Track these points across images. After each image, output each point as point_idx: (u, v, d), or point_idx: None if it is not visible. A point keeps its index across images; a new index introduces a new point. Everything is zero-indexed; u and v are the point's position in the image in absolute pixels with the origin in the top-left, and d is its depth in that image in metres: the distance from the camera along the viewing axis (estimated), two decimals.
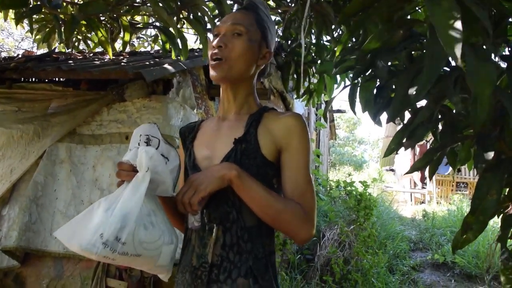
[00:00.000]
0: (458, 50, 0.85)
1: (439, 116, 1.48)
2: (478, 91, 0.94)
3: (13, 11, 2.97)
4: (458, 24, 0.88)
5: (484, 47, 1.10)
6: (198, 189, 1.07)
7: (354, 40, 2.01)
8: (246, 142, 1.19)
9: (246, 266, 1.12)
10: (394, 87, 1.46)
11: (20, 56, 4.17)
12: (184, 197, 1.08)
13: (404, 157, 15.07)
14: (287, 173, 1.18)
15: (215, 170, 1.11)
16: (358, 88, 1.54)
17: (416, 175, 14.25)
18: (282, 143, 1.19)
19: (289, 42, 3.48)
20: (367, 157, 33.05)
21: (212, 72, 1.24)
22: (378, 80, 1.45)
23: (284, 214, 1.12)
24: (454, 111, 1.43)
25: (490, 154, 1.23)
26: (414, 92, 1.21)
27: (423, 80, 1.02)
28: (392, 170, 16.54)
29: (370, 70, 1.47)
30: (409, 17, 1.47)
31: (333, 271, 5.03)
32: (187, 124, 1.48)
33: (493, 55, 1.11)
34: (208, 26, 2.91)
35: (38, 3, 2.44)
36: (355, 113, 1.70)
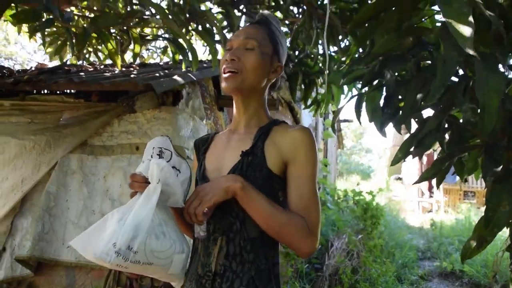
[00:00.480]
0: (470, 40, 0.87)
1: (446, 126, 1.49)
2: (486, 101, 0.96)
3: (27, 25, 3.03)
4: (470, 18, 0.90)
5: (493, 55, 1.11)
6: (204, 200, 1.10)
7: (361, 51, 2.04)
8: (252, 155, 1.21)
9: (248, 276, 1.14)
10: (401, 97, 1.49)
11: (33, 68, 4.24)
12: (190, 208, 1.11)
13: (412, 166, 15.01)
14: (292, 187, 1.19)
15: (220, 182, 1.13)
16: (365, 98, 1.57)
17: (424, 184, 14.18)
18: (288, 156, 1.20)
19: (297, 52, 3.52)
20: (375, 166, 32.89)
21: (224, 84, 1.26)
22: (385, 90, 1.47)
23: (287, 227, 1.13)
24: (461, 120, 1.45)
25: (498, 165, 1.24)
26: (423, 96, 1.23)
27: (436, 83, 1.02)
28: (400, 178, 16.45)
29: (377, 80, 1.50)
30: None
31: (341, 281, 5.01)
32: (201, 136, 1.51)
33: (501, 65, 1.13)
34: (217, 37, 2.96)
35: (51, 17, 2.50)
36: (360, 123, 1.72)
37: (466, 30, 0.87)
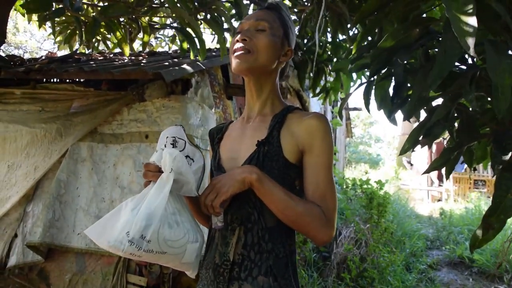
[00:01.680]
0: (471, 41, 0.87)
1: (456, 115, 1.48)
2: (499, 81, 0.95)
3: (37, 14, 3.05)
4: (472, 16, 0.89)
5: (503, 42, 1.10)
6: (220, 191, 1.10)
7: (370, 38, 2.02)
8: (268, 145, 1.20)
9: (266, 265, 1.14)
10: (409, 85, 1.48)
11: (43, 57, 4.27)
12: (206, 200, 1.10)
13: (422, 153, 14.90)
14: (309, 175, 1.19)
15: (236, 173, 1.12)
16: (374, 87, 1.56)
17: (433, 172, 14.08)
18: (304, 145, 1.19)
19: (305, 40, 3.50)
20: (383, 154, 32.78)
21: (235, 63, 1.24)
22: (394, 78, 1.47)
23: (304, 216, 1.13)
24: (470, 109, 1.44)
25: (507, 153, 1.24)
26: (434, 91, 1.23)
27: (434, 74, 1.03)
28: (410, 163, 16.34)
29: (386, 69, 1.49)
30: (425, 15, 1.48)
31: (349, 269, 5.03)
32: (217, 125, 1.51)
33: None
34: (225, 25, 2.96)
35: (61, 6, 2.51)
36: (369, 111, 1.70)
37: (468, 31, 0.87)
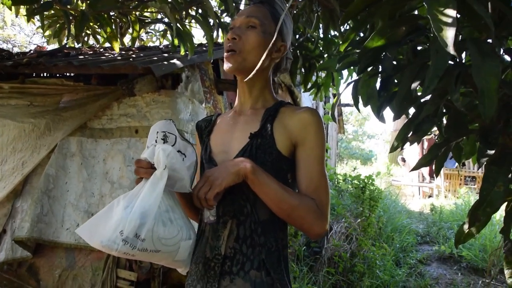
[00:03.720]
0: (450, 37, 0.85)
1: (444, 110, 1.49)
2: (485, 85, 0.94)
3: (25, 7, 3.01)
4: (451, 11, 0.88)
5: (489, 41, 1.10)
6: (214, 184, 1.08)
7: (361, 34, 2.01)
8: (261, 137, 1.20)
9: (258, 259, 1.14)
10: (396, 81, 1.48)
11: (32, 51, 4.22)
12: (200, 193, 1.09)
13: (413, 149, 14.98)
14: (302, 168, 1.19)
15: (230, 165, 1.12)
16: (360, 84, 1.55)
17: (425, 168, 14.17)
18: (297, 138, 1.20)
19: (297, 36, 3.49)
20: (376, 150, 32.91)
21: (225, 64, 1.24)
22: (381, 74, 1.46)
23: (298, 209, 1.13)
24: None
25: (493, 149, 1.24)
26: (419, 87, 1.23)
27: (430, 75, 1.01)
28: (403, 159, 16.45)
29: (373, 67, 1.48)
30: (416, 12, 1.48)
31: (340, 264, 5.06)
32: (204, 118, 1.49)
33: (497, 50, 1.11)
34: (212, 23, 2.93)
35: None
36: (358, 109, 1.69)
37: (449, 33, 0.86)
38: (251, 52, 1.21)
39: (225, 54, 1.24)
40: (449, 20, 0.86)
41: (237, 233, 1.16)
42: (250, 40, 1.22)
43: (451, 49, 0.83)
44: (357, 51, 1.54)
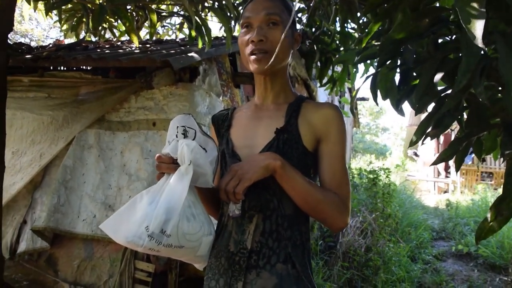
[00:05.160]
0: (479, 29, 0.84)
1: (465, 105, 1.47)
2: (510, 77, 0.93)
3: (43, 2, 3.04)
4: (480, 2, 0.87)
5: None
6: (243, 178, 1.08)
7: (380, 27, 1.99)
8: (287, 132, 1.21)
9: (285, 252, 1.15)
10: (415, 74, 1.46)
11: (51, 45, 4.27)
12: (228, 186, 1.08)
13: (428, 143, 14.83)
14: (325, 163, 1.21)
15: (259, 160, 1.11)
16: (379, 78, 1.53)
17: (441, 164, 14.00)
18: (321, 133, 1.21)
19: (314, 29, 3.48)
20: (391, 144, 32.64)
21: (255, 65, 1.22)
22: (400, 67, 1.44)
23: (323, 204, 1.14)
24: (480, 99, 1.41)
25: None
26: (442, 76, 1.21)
27: (462, 69, 1.00)
28: (416, 154, 16.29)
29: (391, 60, 1.46)
30: (437, 4, 1.45)
31: (354, 258, 5.05)
32: (219, 111, 1.49)
33: None
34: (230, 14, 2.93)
35: None
36: (377, 103, 1.67)
37: (477, 25, 0.84)
38: (280, 50, 1.19)
39: (254, 57, 1.21)
40: (478, 12, 0.85)
41: (263, 227, 1.17)
42: (278, 39, 1.18)
43: (479, 42, 0.82)
44: (376, 43, 1.52)
